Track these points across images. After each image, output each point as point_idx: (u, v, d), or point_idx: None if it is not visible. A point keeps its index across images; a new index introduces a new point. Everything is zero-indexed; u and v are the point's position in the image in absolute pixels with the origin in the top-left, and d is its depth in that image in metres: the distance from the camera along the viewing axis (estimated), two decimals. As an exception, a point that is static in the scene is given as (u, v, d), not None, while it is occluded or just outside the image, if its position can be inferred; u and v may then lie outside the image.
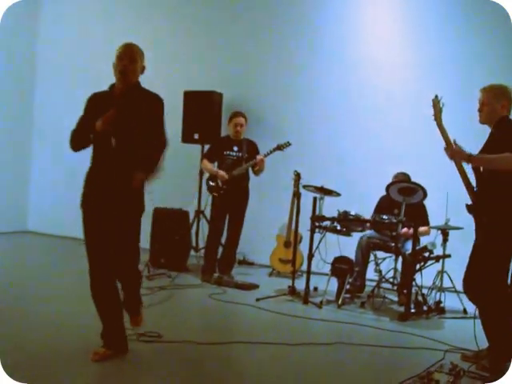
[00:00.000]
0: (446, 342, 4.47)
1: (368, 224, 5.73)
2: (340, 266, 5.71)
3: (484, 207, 3.87)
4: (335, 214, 5.69)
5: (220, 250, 6.71)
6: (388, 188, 5.63)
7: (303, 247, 6.43)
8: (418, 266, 5.43)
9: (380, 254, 6.03)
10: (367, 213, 5.80)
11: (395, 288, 5.83)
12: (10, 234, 8.87)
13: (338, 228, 5.72)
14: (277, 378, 3.63)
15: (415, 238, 5.33)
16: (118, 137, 3.52)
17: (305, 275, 5.86)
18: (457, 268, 5.72)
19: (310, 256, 5.73)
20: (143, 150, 3.56)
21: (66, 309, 4.84)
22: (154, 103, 3.66)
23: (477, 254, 3.88)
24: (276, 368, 3.82)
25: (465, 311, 5.56)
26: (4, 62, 8.81)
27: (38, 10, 9.34)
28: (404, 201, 5.50)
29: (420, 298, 5.45)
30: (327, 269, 5.90)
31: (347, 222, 5.69)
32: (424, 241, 5.63)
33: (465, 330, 4.90)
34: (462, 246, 5.72)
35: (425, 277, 5.52)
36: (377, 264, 5.90)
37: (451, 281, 5.67)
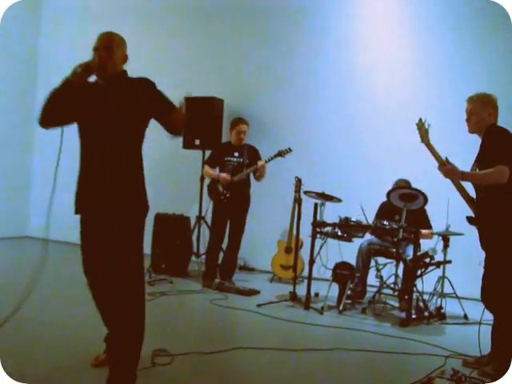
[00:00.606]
0: (447, 347, 4.47)
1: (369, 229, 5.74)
2: (341, 272, 5.71)
3: (485, 218, 3.89)
4: (336, 220, 5.70)
5: (221, 255, 6.72)
6: (389, 194, 5.64)
7: (304, 253, 6.43)
8: (418, 272, 5.43)
9: (381, 259, 6.02)
10: (368, 218, 5.80)
11: (396, 294, 5.83)
12: (10, 239, 8.87)
13: (339, 234, 5.73)
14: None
15: (416, 244, 5.33)
16: (110, 130, 3.20)
17: (306, 281, 5.87)
18: (458, 274, 5.77)
19: (311, 262, 5.73)
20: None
21: (66, 313, 4.84)
22: (144, 86, 3.31)
23: (490, 264, 3.89)
24: (277, 374, 3.82)
25: (466, 317, 5.56)
26: (6, 61, 8.83)
27: (39, 8, 9.40)
28: (405, 207, 5.50)
29: (421, 304, 5.45)
30: (328, 274, 5.90)
31: (348, 228, 5.70)
32: (425, 246, 5.63)
33: (466, 336, 4.91)
34: (462, 251, 5.77)
35: (426, 282, 5.52)
36: (378, 270, 5.90)
37: (452, 286, 5.67)
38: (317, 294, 6.14)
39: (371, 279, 6.02)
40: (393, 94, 7.03)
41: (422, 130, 4.18)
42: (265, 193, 7.23)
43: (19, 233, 9.23)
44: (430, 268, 5.52)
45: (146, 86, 3.31)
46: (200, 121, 7.36)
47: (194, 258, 7.32)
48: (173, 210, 7.18)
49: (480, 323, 3.99)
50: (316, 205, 5.77)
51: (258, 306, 5.55)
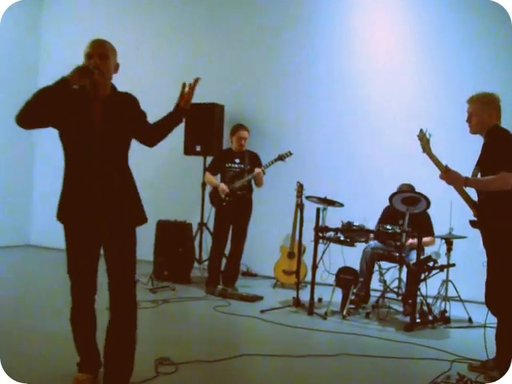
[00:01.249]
0: (452, 351, 4.44)
1: (372, 234, 5.72)
2: (344, 277, 5.68)
3: (487, 221, 3.87)
4: (339, 225, 5.67)
5: (224, 261, 6.70)
6: (391, 198, 5.62)
7: (307, 258, 6.41)
8: (422, 276, 5.40)
9: (384, 264, 6.01)
10: (371, 224, 5.78)
11: (400, 298, 5.80)
12: (12, 248, 8.86)
13: (342, 238, 5.71)
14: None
15: (419, 248, 5.31)
16: (105, 144, 3.17)
17: (309, 286, 5.84)
18: (461, 277, 5.76)
19: (315, 267, 5.71)
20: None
21: (66, 322, 4.81)
22: (134, 103, 3.34)
23: (492, 267, 3.87)
24: (281, 380, 3.80)
25: (470, 320, 5.54)
26: (6, 61, 8.85)
27: (41, 7, 9.42)
28: (407, 210, 5.49)
29: (425, 308, 5.42)
30: (331, 279, 5.88)
31: (351, 233, 5.68)
32: (428, 250, 5.61)
33: (471, 340, 4.89)
34: (466, 255, 5.75)
35: (429, 286, 5.49)
36: (381, 274, 5.87)
37: (456, 290, 5.65)
38: (320, 300, 6.11)
39: (375, 284, 5.99)
40: (394, 96, 7.01)
41: (424, 141, 4.17)
42: (267, 198, 7.22)
43: (21, 241, 9.22)
44: (434, 272, 5.49)
45: (133, 103, 3.33)
46: (201, 127, 7.37)
47: (196, 265, 7.31)
48: (174, 216, 7.16)
49: (485, 326, 3.97)
50: (318, 210, 5.75)
51: (262, 312, 5.52)
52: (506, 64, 6.44)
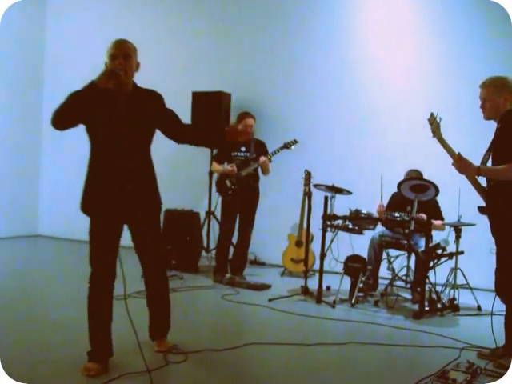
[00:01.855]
0: (461, 339, 4.43)
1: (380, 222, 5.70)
2: (353, 265, 5.67)
3: (495, 206, 3.83)
4: (347, 213, 5.66)
5: (231, 250, 6.70)
6: (400, 185, 5.59)
7: (315, 246, 6.40)
8: (431, 264, 5.38)
9: (393, 251, 5.99)
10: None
11: (409, 286, 5.80)
12: (21, 239, 8.90)
13: (350, 226, 5.69)
14: (291, 379, 3.60)
15: (428, 236, 5.29)
16: (128, 138, 3.39)
17: (317, 274, 5.83)
18: (470, 265, 5.73)
19: (323, 255, 5.70)
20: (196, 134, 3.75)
21: (74, 313, 4.82)
22: (158, 99, 3.60)
23: (501, 254, 3.84)
24: (290, 369, 3.80)
25: (479, 308, 5.52)
26: (13, 57, 8.87)
27: (45, 4, 9.41)
28: (416, 198, 5.46)
29: (434, 296, 5.41)
30: (340, 268, 5.87)
31: (359, 221, 5.66)
32: (437, 238, 5.58)
33: (480, 328, 4.87)
34: (475, 242, 5.73)
35: (438, 274, 5.47)
36: (390, 262, 5.86)
37: (465, 278, 5.63)
38: (328, 288, 6.11)
39: (383, 271, 5.98)
40: (402, 83, 6.98)
41: (434, 125, 4.06)
42: (274, 186, 7.21)
43: (31, 232, 9.26)
44: (443, 259, 5.47)
45: (156, 99, 3.59)
46: (207, 115, 7.35)
47: (204, 254, 7.32)
48: (182, 205, 7.17)
49: (493, 314, 3.95)
50: (326, 198, 5.73)
51: (270, 300, 5.53)
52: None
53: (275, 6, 7.78)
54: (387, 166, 6.79)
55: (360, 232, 5.75)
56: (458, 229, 5.52)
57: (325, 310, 5.33)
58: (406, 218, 5.39)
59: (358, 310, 5.38)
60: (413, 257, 5.67)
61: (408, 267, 5.76)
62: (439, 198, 5.75)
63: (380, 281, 6.04)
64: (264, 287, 6.12)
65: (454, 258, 5.54)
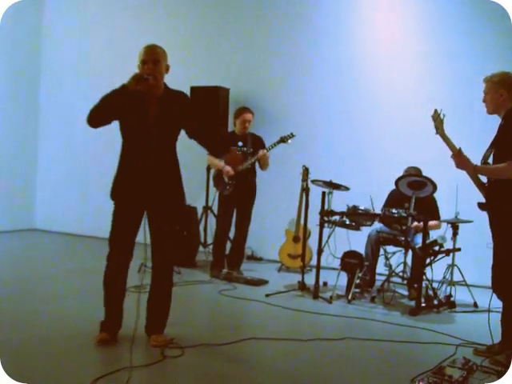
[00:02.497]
0: (457, 336, 4.44)
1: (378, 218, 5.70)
2: (350, 261, 5.68)
3: (495, 202, 3.84)
4: (344, 209, 5.66)
5: (228, 245, 6.70)
6: (397, 182, 5.60)
7: (312, 242, 6.40)
8: (428, 260, 5.39)
9: (390, 248, 6.00)
10: (377, 207, 5.77)
11: (405, 282, 5.81)
12: (18, 232, 8.89)
13: (347, 222, 5.69)
14: (287, 374, 3.61)
15: (425, 232, 5.29)
16: (158, 136, 3.69)
17: (314, 270, 5.84)
18: (467, 261, 5.74)
19: (320, 251, 5.70)
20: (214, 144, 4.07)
21: (71, 306, 4.84)
22: (186, 100, 3.89)
23: (498, 252, 3.85)
24: (287, 364, 3.80)
25: (475, 305, 5.53)
26: (9, 53, 8.81)
27: (42, 3, 9.34)
28: (413, 194, 5.47)
29: (430, 292, 5.42)
30: (337, 263, 5.87)
31: (356, 217, 5.66)
32: (434, 235, 5.59)
33: (476, 324, 4.89)
34: (472, 239, 5.74)
35: (435, 271, 5.49)
36: (387, 258, 5.87)
37: (461, 274, 5.64)
38: (325, 284, 6.12)
39: (380, 268, 5.99)
40: (400, 79, 6.97)
41: (438, 121, 4.11)
42: (272, 182, 7.20)
43: (26, 225, 9.25)
44: (440, 256, 5.47)
45: (185, 101, 3.88)
46: (206, 110, 7.33)
47: (201, 248, 7.32)
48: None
49: (489, 311, 3.96)
50: (324, 193, 5.73)
51: (267, 295, 5.53)
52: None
53: (276, 3, 7.75)
54: (385, 162, 6.82)
55: (357, 228, 5.75)
56: (455, 226, 5.52)
57: (321, 306, 5.34)
58: (404, 215, 5.39)
59: (355, 306, 5.39)
60: (410, 253, 5.68)
61: (405, 264, 5.77)
62: (436, 195, 5.75)
63: (377, 277, 6.04)
64: (261, 282, 6.12)
65: (451, 254, 5.55)
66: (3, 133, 8.73)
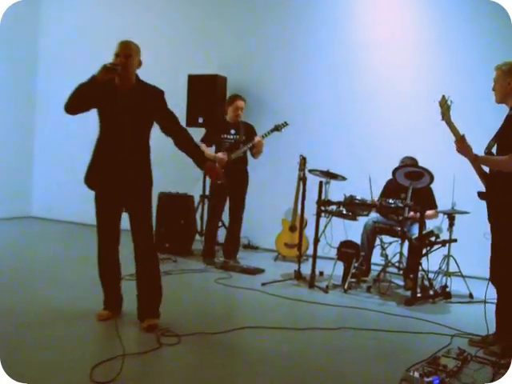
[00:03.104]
0: (452, 326, 4.46)
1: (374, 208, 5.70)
2: (346, 251, 5.69)
3: (496, 191, 3.83)
4: (341, 198, 5.66)
5: (223, 235, 6.71)
6: (394, 172, 5.59)
7: (309, 231, 6.40)
8: (424, 251, 5.40)
9: (386, 238, 6.01)
10: (374, 193, 5.75)
11: (401, 272, 5.83)
12: (14, 220, 8.87)
13: (344, 212, 5.69)
14: (283, 363, 3.61)
15: (422, 223, 5.30)
16: (129, 127, 3.85)
17: (310, 259, 5.85)
18: (463, 252, 5.75)
19: (316, 240, 5.71)
20: (187, 143, 4.13)
21: (68, 294, 4.84)
22: (158, 96, 4.01)
23: (497, 242, 3.85)
24: (283, 353, 3.81)
25: (471, 296, 5.55)
26: (6, 48, 8.76)
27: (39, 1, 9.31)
28: (411, 185, 5.46)
29: (426, 283, 5.44)
30: (333, 253, 5.88)
31: (353, 207, 5.66)
32: (430, 225, 5.59)
33: (471, 315, 4.91)
34: (468, 230, 5.74)
35: (431, 261, 5.50)
36: (383, 248, 5.88)
37: (457, 265, 5.66)
38: (321, 273, 6.13)
39: (376, 258, 6.00)
40: (396, 69, 6.95)
41: (444, 108, 4.04)
42: (269, 171, 7.20)
43: (23, 213, 9.23)
44: (436, 246, 5.48)
45: (156, 95, 4.01)
46: (203, 99, 7.32)
47: (198, 237, 7.32)
48: (176, 189, 7.15)
49: (485, 302, 3.97)
50: (321, 183, 5.73)
51: (263, 284, 5.54)
52: None
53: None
54: (382, 152, 6.81)
55: (354, 218, 5.75)
56: (451, 216, 5.53)
57: (317, 295, 5.35)
58: (400, 205, 5.39)
59: (351, 296, 5.40)
60: (406, 243, 5.68)
61: (401, 254, 5.78)
62: (433, 186, 5.75)
63: (373, 267, 6.06)
64: (257, 271, 6.13)
65: (447, 245, 5.56)
66: (0, 120, 8.69)
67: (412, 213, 5.61)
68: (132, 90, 3.92)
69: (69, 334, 3.83)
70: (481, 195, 3.96)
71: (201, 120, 7.35)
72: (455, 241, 5.57)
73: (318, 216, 5.70)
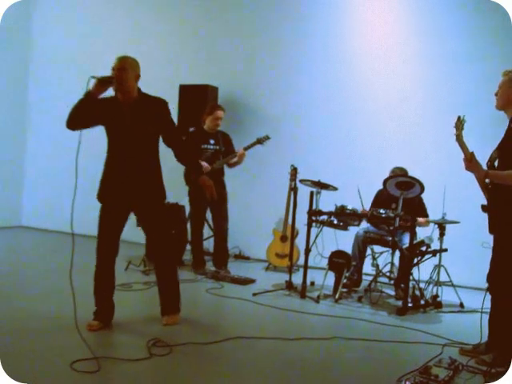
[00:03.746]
0: (443, 336, 4.46)
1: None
2: (337, 261, 5.69)
3: (498, 203, 3.81)
4: (332, 208, 5.67)
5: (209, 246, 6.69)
6: (385, 182, 5.61)
7: (300, 242, 6.40)
8: (415, 261, 5.41)
9: (377, 248, 6.02)
10: (364, 203, 5.77)
11: (392, 282, 5.83)
12: (4, 229, 8.82)
13: (335, 222, 5.70)
14: (274, 373, 3.61)
15: (412, 233, 5.31)
16: (136, 140, 4.02)
17: (301, 270, 5.84)
18: (454, 262, 5.77)
19: (307, 250, 5.71)
20: (186, 154, 4.33)
21: (59, 303, 4.80)
22: (163, 105, 4.14)
23: (497, 252, 3.84)
24: (274, 363, 3.80)
25: (462, 305, 5.56)
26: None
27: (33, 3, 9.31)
28: (401, 195, 5.48)
29: (417, 293, 5.44)
30: (324, 263, 5.88)
31: (344, 217, 5.67)
32: (421, 235, 5.61)
33: (462, 324, 4.92)
34: (458, 240, 5.77)
35: (422, 271, 5.51)
36: (374, 258, 5.89)
37: (448, 275, 5.67)
38: (313, 283, 6.12)
39: (367, 268, 6.01)
40: (388, 81, 6.98)
41: (459, 129, 4.03)
42: (259, 181, 7.20)
43: (13, 223, 9.18)
44: (427, 256, 5.50)
45: (160, 106, 4.14)
46: (194, 108, 7.32)
47: (189, 247, 7.29)
48: (167, 198, 7.11)
49: (482, 312, 3.96)
50: (312, 193, 5.74)
51: (254, 294, 5.53)
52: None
53: (265, 2, 7.74)
54: (373, 162, 6.83)
55: (345, 228, 5.76)
56: (442, 226, 5.55)
57: (309, 305, 5.34)
58: (391, 215, 5.41)
59: (342, 306, 5.40)
60: (397, 253, 5.70)
61: (392, 264, 5.79)
62: (424, 196, 5.77)
63: (364, 277, 6.06)
64: (248, 281, 6.12)
65: (438, 255, 5.57)
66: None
67: (421, 218, 5.62)
68: (136, 102, 4.03)
69: (56, 342, 3.80)
70: (484, 208, 3.93)
71: (192, 130, 7.34)
72: (446, 250, 5.58)
73: (309, 226, 5.71)
